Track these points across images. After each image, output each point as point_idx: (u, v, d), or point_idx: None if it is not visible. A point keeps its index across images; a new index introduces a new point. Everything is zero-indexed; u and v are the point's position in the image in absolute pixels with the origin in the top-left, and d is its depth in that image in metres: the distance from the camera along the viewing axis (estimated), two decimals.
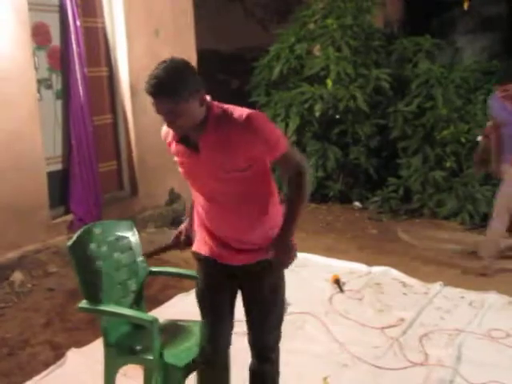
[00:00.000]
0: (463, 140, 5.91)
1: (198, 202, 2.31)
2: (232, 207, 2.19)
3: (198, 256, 2.36)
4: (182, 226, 2.59)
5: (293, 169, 2.18)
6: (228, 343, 2.42)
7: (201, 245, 2.33)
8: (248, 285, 2.31)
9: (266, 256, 2.17)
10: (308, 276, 4.52)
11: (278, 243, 2.15)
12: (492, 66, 6.65)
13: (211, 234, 2.28)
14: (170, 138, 2.25)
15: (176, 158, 2.24)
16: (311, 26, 6.85)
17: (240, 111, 2.11)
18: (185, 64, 2.09)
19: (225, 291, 2.35)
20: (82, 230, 2.65)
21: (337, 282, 4.29)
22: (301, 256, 4.71)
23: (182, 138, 2.16)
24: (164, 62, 2.08)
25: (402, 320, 3.74)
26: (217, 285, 2.33)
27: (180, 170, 2.25)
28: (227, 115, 2.11)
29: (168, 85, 2.01)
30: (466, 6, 7.53)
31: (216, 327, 2.37)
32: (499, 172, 4.60)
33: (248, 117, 2.07)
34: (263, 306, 2.32)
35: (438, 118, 6.10)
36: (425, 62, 6.51)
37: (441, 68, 6.36)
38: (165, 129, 2.26)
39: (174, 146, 2.23)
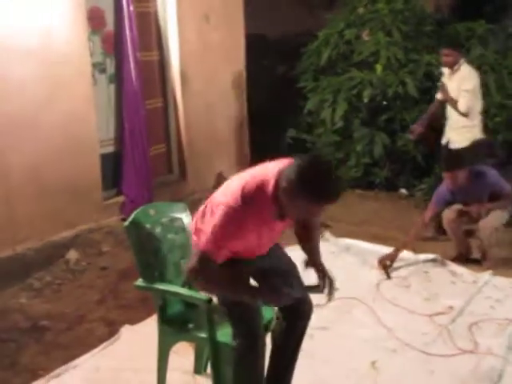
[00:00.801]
0: None
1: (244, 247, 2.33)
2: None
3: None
4: None
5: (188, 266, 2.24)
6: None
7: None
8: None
9: None
10: (354, 262, 4.54)
11: None
12: None
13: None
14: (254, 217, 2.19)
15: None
16: (361, 10, 6.76)
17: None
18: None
19: None
20: (137, 210, 2.72)
21: (385, 267, 4.28)
22: (347, 242, 4.79)
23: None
24: (324, 164, 2.17)
25: (451, 308, 3.72)
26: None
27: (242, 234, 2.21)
28: None
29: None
30: None
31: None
32: None
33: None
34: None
35: (491, 104, 5.96)
36: (477, 47, 6.35)
37: (494, 54, 6.20)
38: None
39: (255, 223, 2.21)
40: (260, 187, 2.16)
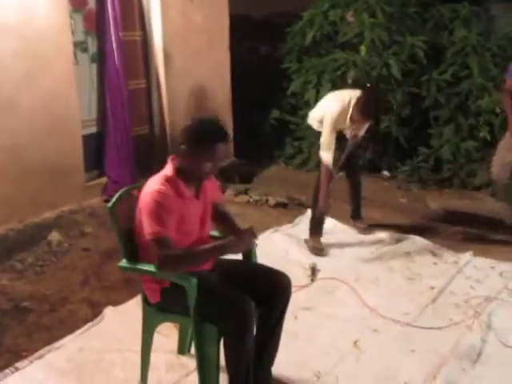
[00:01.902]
0: (498, 110, 5.81)
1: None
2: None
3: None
4: None
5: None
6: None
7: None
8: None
9: None
10: (336, 243, 4.56)
11: None
12: None
13: None
14: (173, 199, 2.41)
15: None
16: None
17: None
18: None
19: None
20: (121, 191, 2.70)
21: (312, 269, 4.06)
22: (330, 223, 4.82)
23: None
24: (202, 117, 2.56)
25: (432, 288, 3.77)
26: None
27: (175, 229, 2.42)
28: None
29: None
30: None
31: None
32: None
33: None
34: None
35: (473, 87, 6.00)
36: (461, 29, 6.37)
37: (477, 36, 6.23)
38: (167, 193, 2.40)
39: (180, 208, 2.43)
40: (163, 177, 2.44)
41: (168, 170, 2.48)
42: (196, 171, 2.46)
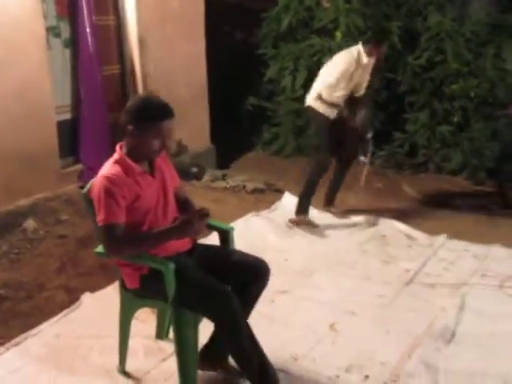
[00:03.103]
0: (472, 94, 5.88)
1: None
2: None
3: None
4: None
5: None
6: None
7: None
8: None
9: None
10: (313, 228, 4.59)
11: None
12: (503, 20, 6.54)
13: None
14: (123, 180, 2.41)
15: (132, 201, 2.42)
16: None
17: None
18: None
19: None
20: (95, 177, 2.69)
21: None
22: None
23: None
24: (143, 95, 2.76)
25: (408, 271, 3.83)
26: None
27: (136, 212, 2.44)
28: None
29: None
30: None
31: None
32: None
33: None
34: None
35: (448, 72, 6.06)
36: (435, 14, 6.40)
37: (451, 21, 6.27)
38: (115, 176, 2.40)
39: (133, 186, 2.43)
40: (111, 162, 2.46)
41: (116, 154, 2.49)
42: (145, 150, 2.44)
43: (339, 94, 4.50)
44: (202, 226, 2.47)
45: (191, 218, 2.41)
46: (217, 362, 2.67)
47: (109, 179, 2.37)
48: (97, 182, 2.41)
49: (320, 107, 4.53)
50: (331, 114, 4.57)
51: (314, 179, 4.62)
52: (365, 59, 4.47)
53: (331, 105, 4.53)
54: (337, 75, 4.42)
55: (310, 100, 4.61)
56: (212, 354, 2.66)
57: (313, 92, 4.61)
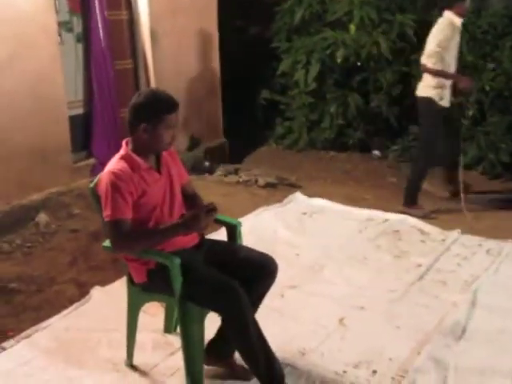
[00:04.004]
0: (487, 88, 5.79)
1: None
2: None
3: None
4: None
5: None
6: None
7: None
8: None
9: None
10: (325, 222, 4.57)
11: None
12: None
13: None
14: (129, 176, 2.40)
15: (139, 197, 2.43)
16: None
17: None
18: None
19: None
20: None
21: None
22: (319, 203, 4.84)
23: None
24: (147, 91, 2.61)
25: (420, 266, 3.79)
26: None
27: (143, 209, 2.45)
28: None
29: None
30: None
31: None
32: None
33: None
34: None
35: (464, 64, 5.97)
36: None
37: (468, 13, 6.17)
38: (122, 172, 2.40)
39: (140, 182, 2.43)
40: (117, 157, 2.46)
41: (123, 150, 2.49)
42: (158, 144, 2.45)
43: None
44: (209, 222, 2.46)
45: (198, 213, 2.39)
46: (223, 357, 2.67)
47: (115, 174, 2.37)
48: (103, 177, 2.42)
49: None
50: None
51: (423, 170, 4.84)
52: (458, 21, 4.62)
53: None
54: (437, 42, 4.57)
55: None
56: (218, 349, 2.65)
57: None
